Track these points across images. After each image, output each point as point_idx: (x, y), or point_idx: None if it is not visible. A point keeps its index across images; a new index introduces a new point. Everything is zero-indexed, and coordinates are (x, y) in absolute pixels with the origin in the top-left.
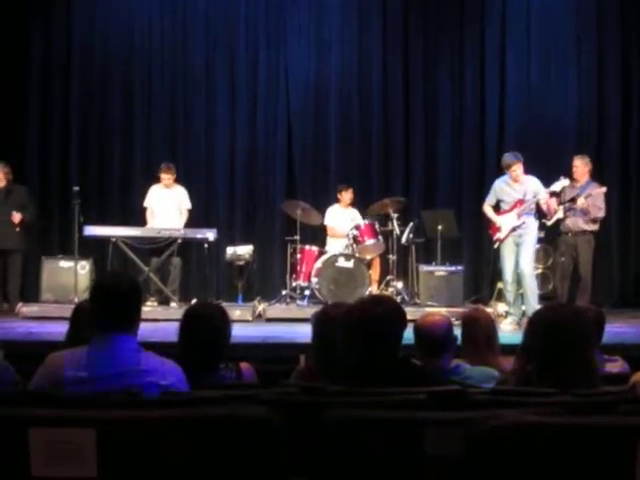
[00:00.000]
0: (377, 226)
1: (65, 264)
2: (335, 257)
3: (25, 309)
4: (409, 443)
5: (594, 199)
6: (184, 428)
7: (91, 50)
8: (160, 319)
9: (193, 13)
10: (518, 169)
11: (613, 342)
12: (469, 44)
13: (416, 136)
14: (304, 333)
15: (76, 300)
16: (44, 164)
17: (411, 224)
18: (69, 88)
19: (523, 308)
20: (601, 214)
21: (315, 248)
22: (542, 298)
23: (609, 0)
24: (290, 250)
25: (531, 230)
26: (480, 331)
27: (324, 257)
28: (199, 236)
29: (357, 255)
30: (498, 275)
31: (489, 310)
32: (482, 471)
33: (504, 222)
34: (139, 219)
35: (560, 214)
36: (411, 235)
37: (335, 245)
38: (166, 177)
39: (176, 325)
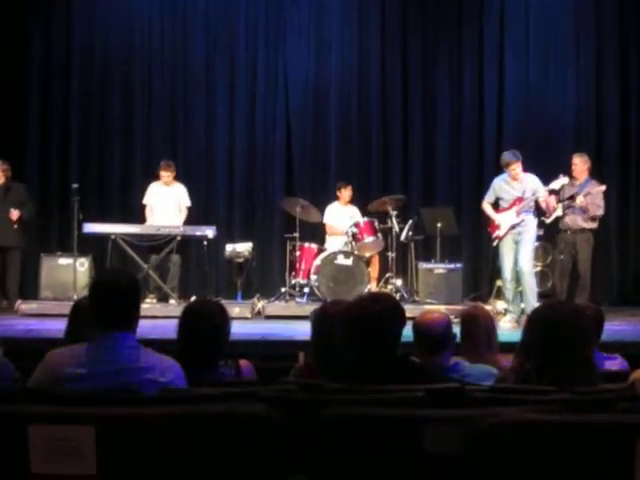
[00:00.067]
0: (376, 224)
1: (64, 261)
2: (334, 254)
3: (24, 306)
4: (408, 441)
5: (593, 197)
6: (183, 425)
7: (91, 49)
8: (159, 316)
9: (193, 13)
10: (517, 168)
11: (612, 340)
12: (467, 42)
13: (415, 134)
14: (303, 330)
15: (75, 297)
16: (44, 163)
17: (410, 222)
18: (69, 87)
19: (522, 306)
20: (600, 212)
21: (314, 245)
22: (541, 296)
23: None
24: (289, 247)
25: (530, 228)
26: (479, 329)
27: (323, 254)
28: (198, 233)
29: (356, 252)
30: (497, 273)
31: (488, 308)
32: (481, 469)
33: (503, 220)
34: (138, 216)
35: (559, 212)
36: (410, 233)
37: (334, 242)
38: (165, 174)
39: (175, 322)
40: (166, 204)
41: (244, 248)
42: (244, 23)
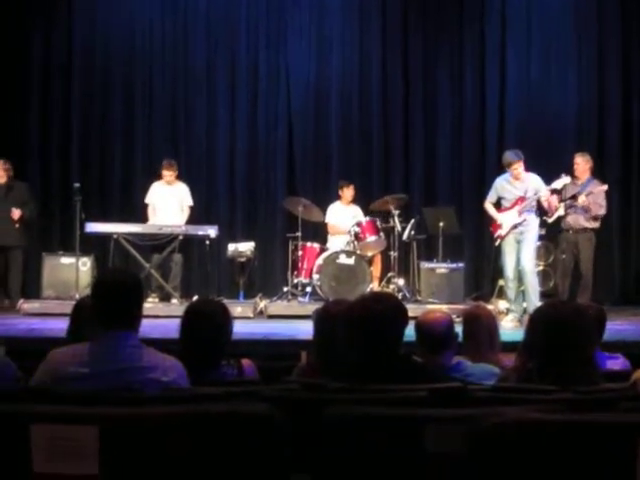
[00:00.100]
0: (378, 223)
1: (66, 261)
2: (336, 254)
3: (26, 305)
4: (410, 440)
5: (595, 197)
6: (186, 425)
7: (92, 50)
8: (161, 316)
9: (194, 14)
10: (519, 167)
11: (614, 339)
12: (469, 42)
13: (416, 134)
14: (305, 330)
15: (77, 297)
16: (46, 162)
17: (412, 221)
18: (70, 88)
19: (524, 305)
20: (602, 212)
21: (316, 245)
22: (543, 295)
23: None
24: (291, 247)
25: (532, 227)
26: (481, 328)
27: (325, 254)
28: (200, 233)
29: (358, 252)
30: (499, 272)
31: (490, 307)
32: (483, 468)
33: (505, 219)
34: (140, 216)
35: (561, 211)
36: (412, 232)
37: (336, 242)
38: (168, 174)
39: (177, 322)
40: (168, 203)
41: (246, 247)
42: (245, 24)
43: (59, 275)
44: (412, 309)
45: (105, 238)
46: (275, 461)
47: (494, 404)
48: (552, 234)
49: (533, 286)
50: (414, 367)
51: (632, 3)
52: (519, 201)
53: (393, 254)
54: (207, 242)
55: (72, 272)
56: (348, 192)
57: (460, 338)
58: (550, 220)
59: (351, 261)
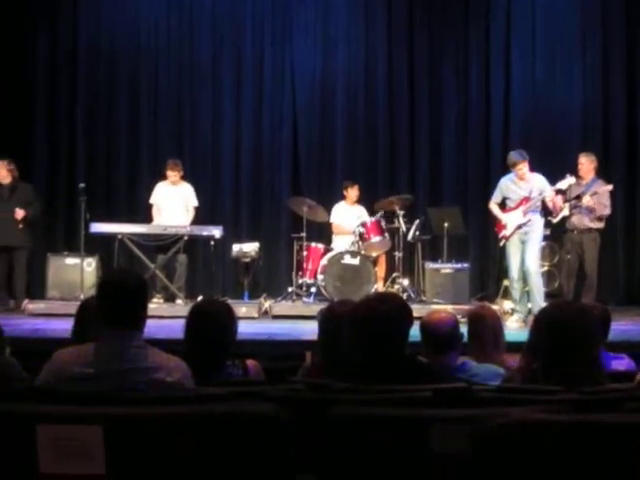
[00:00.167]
0: (383, 223)
1: (71, 261)
2: (341, 254)
3: (31, 306)
4: (415, 440)
5: (600, 197)
6: (191, 425)
7: (97, 48)
8: (166, 316)
9: (199, 11)
10: (524, 167)
11: (619, 340)
12: (474, 40)
13: (421, 132)
14: (310, 330)
15: (82, 297)
16: (51, 162)
17: (417, 221)
18: (75, 87)
19: (529, 305)
20: (607, 212)
21: (321, 245)
22: (548, 296)
23: None
24: (296, 247)
25: (537, 228)
26: (486, 328)
27: (330, 254)
28: (205, 233)
29: (363, 252)
30: (504, 272)
31: (495, 307)
32: (488, 469)
33: (510, 220)
34: (145, 216)
35: (566, 212)
36: (417, 232)
37: (341, 242)
38: (172, 174)
39: (182, 322)
40: (173, 204)
41: (251, 248)
42: (250, 21)
43: (64, 276)
44: (417, 309)
45: (110, 238)
46: (280, 461)
47: (499, 404)
48: (557, 234)
49: (538, 286)
50: (419, 367)
51: (637, 3)
52: (524, 201)
53: (398, 254)
54: (212, 242)
55: (77, 273)
56: (353, 192)
57: (465, 338)
58: (555, 220)
59: (356, 261)
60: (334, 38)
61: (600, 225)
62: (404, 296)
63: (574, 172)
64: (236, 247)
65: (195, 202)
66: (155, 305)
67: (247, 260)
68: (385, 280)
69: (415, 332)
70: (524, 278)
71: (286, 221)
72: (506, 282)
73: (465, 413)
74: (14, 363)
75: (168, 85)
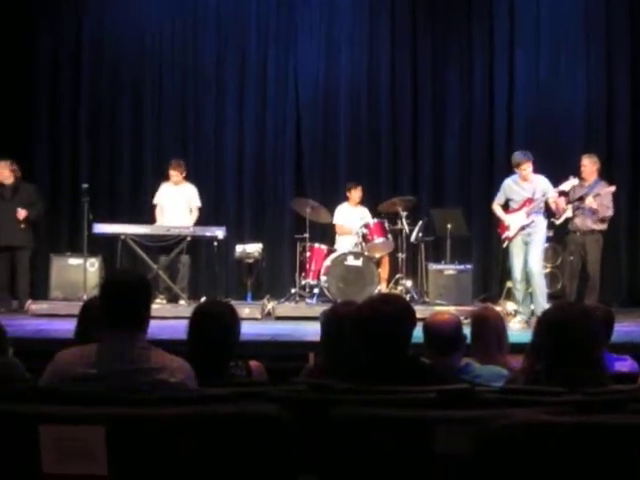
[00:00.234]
0: (386, 224)
1: (74, 261)
2: (344, 255)
3: (34, 306)
4: (417, 441)
5: (602, 198)
6: (194, 426)
7: (101, 50)
8: (169, 317)
9: (204, 13)
10: (528, 168)
11: (622, 341)
12: (477, 41)
13: (425, 135)
14: (313, 331)
15: (85, 297)
16: (54, 163)
17: (420, 223)
18: (79, 88)
19: (532, 307)
20: (609, 213)
21: (324, 246)
22: (551, 297)
23: None
24: (299, 248)
25: (540, 229)
26: (490, 330)
27: (333, 255)
28: (208, 234)
29: (366, 253)
30: (507, 274)
31: (498, 309)
32: (491, 470)
33: (513, 221)
34: (148, 217)
35: (569, 213)
36: (420, 234)
37: (344, 243)
38: (175, 174)
39: (185, 323)
40: (176, 204)
41: (254, 249)
42: (255, 23)
43: (67, 276)
44: (420, 310)
45: (113, 239)
46: (282, 462)
47: (502, 406)
48: (560, 236)
49: (540, 288)
50: (422, 368)
51: None
52: (527, 202)
53: (401, 256)
54: (215, 243)
55: (80, 273)
56: (356, 193)
57: (468, 340)
58: (558, 222)
59: (359, 263)
60: (338, 41)
61: (603, 226)
62: (407, 297)
63: (577, 174)
64: (239, 248)
65: (198, 202)
66: (158, 306)
67: (250, 261)
68: (388, 281)
69: (418, 333)
70: (527, 279)
71: (289, 222)
72: (509, 283)
73: (468, 414)
74: (17, 363)
75: (172, 87)
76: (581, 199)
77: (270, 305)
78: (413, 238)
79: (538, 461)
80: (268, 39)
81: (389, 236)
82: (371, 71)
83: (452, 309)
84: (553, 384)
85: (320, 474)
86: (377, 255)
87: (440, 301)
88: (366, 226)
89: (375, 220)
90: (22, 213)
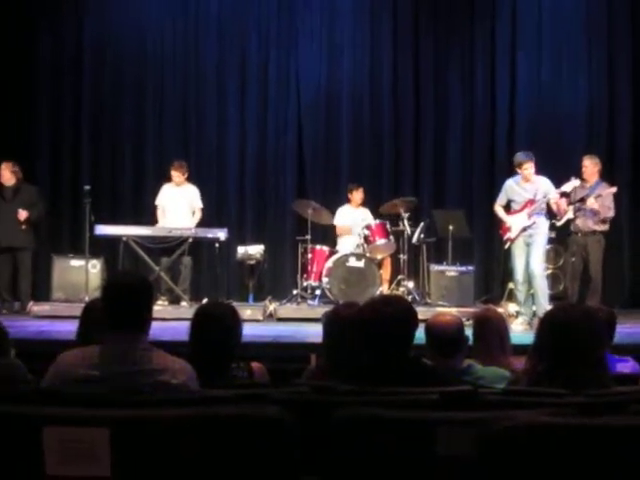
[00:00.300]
0: (388, 226)
1: (76, 263)
2: (346, 257)
3: (36, 308)
4: (420, 443)
5: (604, 199)
6: (195, 427)
7: (103, 51)
8: (171, 318)
9: (205, 16)
10: (530, 168)
11: (624, 342)
12: (479, 44)
13: (426, 136)
14: (315, 333)
15: (87, 299)
16: (56, 164)
17: (422, 224)
18: (80, 90)
19: (534, 308)
20: (611, 214)
21: (326, 248)
22: (553, 298)
23: None
24: (301, 250)
25: (542, 230)
26: (492, 331)
27: (335, 257)
28: (210, 235)
29: (368, 255)
30: (509, 275)
31: (500, 310)
32: (494, 472)
33: (515, 222)
34: (150, 218)
35: (570, 214)
36: (422, 235)
37: (346, 245)
38: (176, 174)
39: (187, 324)
40: (178, 205)
41: (256, 250)
42: (256, 26)
43: (69, 277)
44: (422, 312)
45: (115, 241)
46: (284, 464)
47: (505, 407)
48: (561, 237)
49: (542, 289)
50: (424, 370)
51: None
52: (529, 204)
53: (403, 257)
54: (217, 245)
55: (82, 274)
56: (357, 195)
57: (470, 341)
58: (559, 223)
59: (361, 264)
60: (339, 44)
61: (604, 227)
62: (409, 299)
63: (578, 175)
64: (241, 249)
65: (200, 203)
66: (160, 307)
67: (252, 262)
68: (390, 283)
69: (420, 335)
70: (529, 281)
71: (291, 224)
72: (511, 285)
73: (470, 416)
74: (19, 365)
75: (173, 90)
76: (582, 200)
77: (272, 306)
78: (415, 239)
79: (541, 463)
80: (269, 42)
81: (391, 237)
82: (373, 73)
83: (454, 310)
84: (555, 385)
85: (322, 476)
86: (379, 256)
87: (442, 302)
88: (368, 227)
89: (377, 221)
90: (23, 214)
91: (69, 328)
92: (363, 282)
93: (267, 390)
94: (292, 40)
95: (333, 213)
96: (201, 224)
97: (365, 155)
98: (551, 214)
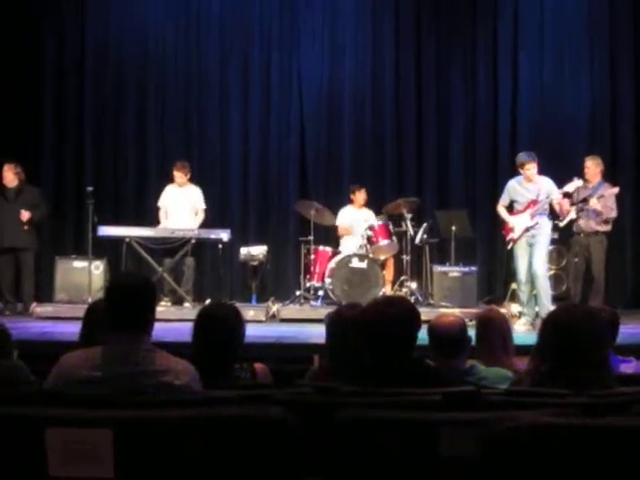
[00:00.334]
0: (391, 227)
1: (79, 264)
2: (349, 257)
3: (39, 309)
4: (423, 444)
5: (606, 199)
6: (198, 428)
7: (105, 54)
8: (174, 319)
9: (207, 18)
10: (532, 168)
11: (627, 343)
12: (481, 43)
13: (429, 137)
14: (318, 333)
15: (90, 300)
16: (59, 166)
17: (425, 225)
18: (83, 92)
19: (537, 309)
20: (613, 214)
21: (329, 248)
22: (556, 299)
23: None
24: (304, 250)
25: (544, 231)
26: (495, 331)
27: (338, 257)
28: (213, 236)
29: (371, 255)
30: (512, 276)
31: (503, 311)
32: (497, 472)
33: (517, 222)
34: (153, 220)
35: (572, 215)
36: (425, 236)
37: (349, 245)
38: (178, 175)
39: (190, 325)
40: (181, 206)
41: (259, 251)
42: (258, 28)
43: (72, 279)
44: (425, 313)
45: (118, 242)
46: (287, 465)
47: (507, 408)
48: (564, 238)
49: (545, 290)
50: (427, 371)
51: None
52: (531, 204)
53: (406, 258)
54: (220, 246)
55: (85, 276)
56: (360, 196)
57: (473, 342)
58: (562, 224)
59: (363, 265)
60: (341, 45)
61: (607, 228)
62: (412, 299)
63: (581, 175)
64: (244, 250)
65: (203, 204)
66: (163, 308)
67: (255, 263)
68: (393, 283)
69: (423, 335)
70: (532, 281)
71: (294, 224)
72: (514, 285)
73: (473, 416)
74: (22, 366)
75: (176, 92)
76: (585, 201)
77: (275, 307)
78: (418, 240)
79: (544, 463)
80: (271, 43)
81: (394, 238)
82: (375, 74)
83: (457, 311)
84: (558, 386)
85: (325, 477)
86: (382, 257)
87: (445, 303)
88: (371, 228)
89: (380, 222)
90: (25, 215)
91: (72, 329)
92: (366, 283)
93: (270, 391)
94: (294, 41)
95: (336, 214)
96: (204, 225)
97: (367, 156)
98: (554, 215)
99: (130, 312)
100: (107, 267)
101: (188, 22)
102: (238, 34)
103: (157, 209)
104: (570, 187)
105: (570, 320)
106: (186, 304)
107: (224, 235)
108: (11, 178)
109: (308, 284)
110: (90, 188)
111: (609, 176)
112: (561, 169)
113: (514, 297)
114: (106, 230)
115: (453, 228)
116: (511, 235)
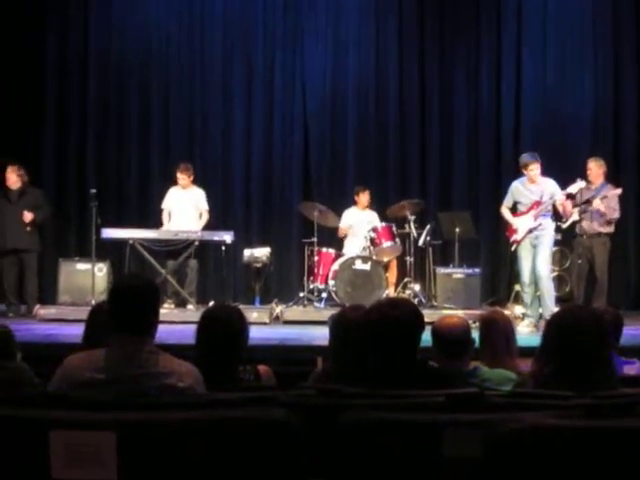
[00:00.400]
0: (394, 228)
1: (82, 266)
2: (352, 259)
3: (42, 311)
4: (426, 445)
5: (609, 201)
6: (202, 430)
7: (108, 54)
8: (177, 321)
9: (210, 17)
10: (536, 169)
11: (630, 344)
12: (485, 41)
13: (432, 138)
14: (321, 335)
15: (93, 302)
16: (62, 168)
17: (428, 226)
18: (86, 92)
19: (540, 310)
20: (616, 215)
21: (332, 250)
22: (559, 300)
23: None
24: (307, 252)
25: (548, 232)
26: (498, 333)
27: (341, 259)
28: (216, 238)
29: (374, 257)
30: (515, 277)
31: (506, 312)
32: (500, 474)
33: (521, 224)
34: (156, 222)
35: (575, 216)
36: (428, 237)
37: (352, 247)
38: (182, 177)
39: (193, 327)
40: (185, 208)
41: (262, 253)
42: (262, 26)
43: (75, 281)
44: (428, 314)
45: (121, 244)
46: (291, 466)
47: (511, 409)
48: (567, 239)
49: (548, 291)
50: (431, 372)
51: None
52: (535, 205)
53: (409, 259)
54: (223, 247)
55: (88, 278)
56: (364, 197)
57: (477, 343)
58: (564, 226)
59: (367, 267)
60: (345, 43)
61: (610, 229)
62: (415, 301)
63: (584, 176)
64: (247, 252)
65: (206, 206)
66: (166, 310)
67: (258, 265)
68: (396, 285)
69: (426, 337)
70: (535, 282)
71: (297, 226)
72: (517, 287)
73: (477, 418)
74: (26, 368)
75: (179, 92)
76: (588, 202)
77: (278, 309)
78: (421, 242)
79: (547, 465)
80: (275, 43)
81: (397, 240)
82: (378, 73)
83: (460, 313)
84: (562, 387)
85: (329, 478)
86: (385, 259)
87: (448, 305)
88: (374, 230)
89: (383, 224)
90: (28, 216)
91: (75, 331)
92: (369, 285)
93: (274, 393)
94: (298, 40)
95: (339, 215)
96: (207, 227)
97: (371, 156)
98: (557, 216)
99: (133, 314)
100: (110, 269)
101: (191, 21)
102: (242, 33)
103: (160, 211)
104: (573, 188)
105: (574, 321)
106: (189, 306)
107: (227, 237)
108: (14, 180)
109: (311, 286)
110: (93, 190)
111: (612, 175)
112: (564, 169)
113: (518, 298)
114: (109, 232)
115: (456, 230)
116: (514, 236)
